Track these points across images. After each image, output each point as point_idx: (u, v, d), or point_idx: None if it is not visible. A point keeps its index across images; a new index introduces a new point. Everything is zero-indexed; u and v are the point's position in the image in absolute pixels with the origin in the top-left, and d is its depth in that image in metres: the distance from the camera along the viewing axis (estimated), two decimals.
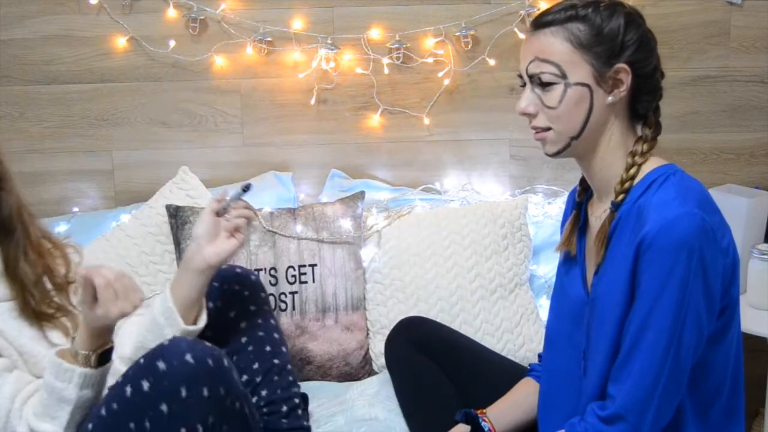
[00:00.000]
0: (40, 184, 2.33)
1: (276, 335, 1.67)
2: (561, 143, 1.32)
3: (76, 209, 2.33)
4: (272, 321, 1.68)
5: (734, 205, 2.14)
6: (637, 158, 1.30)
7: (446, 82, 2.32)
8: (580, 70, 1.27)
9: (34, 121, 2.31)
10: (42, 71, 2.28)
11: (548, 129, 1.31)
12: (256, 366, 1.61)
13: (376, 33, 2.29)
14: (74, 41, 2.27)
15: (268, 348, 1.63)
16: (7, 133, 2.30)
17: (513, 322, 2.07)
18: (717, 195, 2.17)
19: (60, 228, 2.19)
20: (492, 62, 2.31)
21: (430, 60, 2.31)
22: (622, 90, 1.28)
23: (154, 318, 1.49)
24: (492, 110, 2.34)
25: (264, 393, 1.60)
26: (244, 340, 1.63)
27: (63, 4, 2.25)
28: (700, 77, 2.39)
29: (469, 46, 2.30)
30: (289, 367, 1.65)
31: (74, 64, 2.28)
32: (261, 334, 1.64)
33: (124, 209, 2.27)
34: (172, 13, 2.25)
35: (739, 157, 2.44)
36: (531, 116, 1.33)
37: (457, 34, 2.29)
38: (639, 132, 1.34)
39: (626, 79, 1.27)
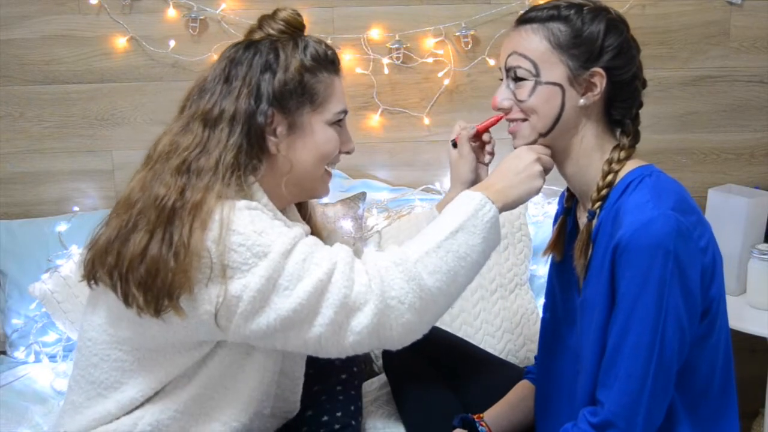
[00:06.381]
0: (40, 184, 2.33)
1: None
2: (530, 138, 1.32)
3: (76, 209, 2.33)
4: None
5: (734, 205, 2.14)
6: (613, 165, 1.29)
7: (446, 82, 2.32)
8: (555, 70, 1.27)
9: (34, 121, 2.31)
10: (42, 71, 2.28)
11: (524, 120, 1.32)
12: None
13: (376, 33, 2.29)
14: (74, 41, 2.26)
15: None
16: (7, 133, 2.30)
17: (513, 322, 2.07)
18: (717, 195, 2.19)
19: (60, 228, 2.19)
20: (492, 62, 2.31)
21: (430, 60, 2.31)
22: (596, 94, 1.28)
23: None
24: (492, 110, 2.33)
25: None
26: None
27: (63, 4, 2.24)
28: (700, 77, 2.39)
29: (469, 46, 2.30)
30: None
31: (74, 64, 2.28)
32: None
33: None
34: (172, 13, 2.25)
35: (739, 157, 2.44)
36: (505, 111, 1.33)
37: (457, 34, 2.29)
38: (618, 139, 1.33)
39: (600, 83, 1.27)
